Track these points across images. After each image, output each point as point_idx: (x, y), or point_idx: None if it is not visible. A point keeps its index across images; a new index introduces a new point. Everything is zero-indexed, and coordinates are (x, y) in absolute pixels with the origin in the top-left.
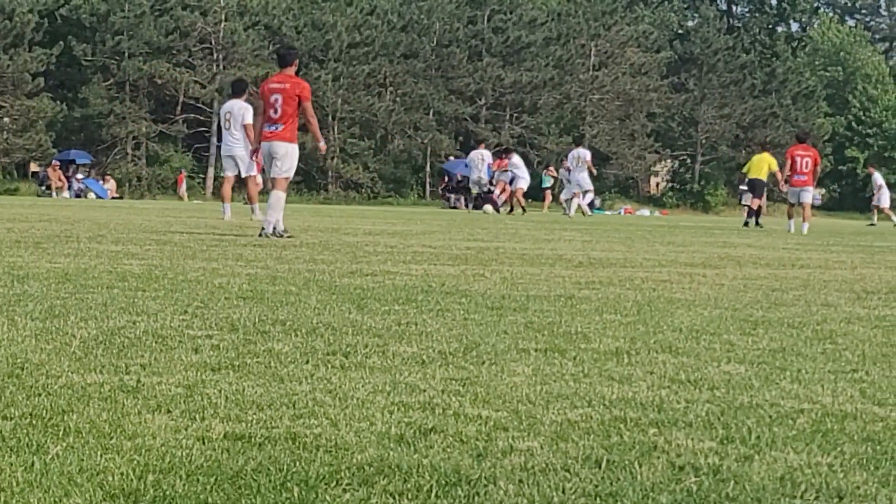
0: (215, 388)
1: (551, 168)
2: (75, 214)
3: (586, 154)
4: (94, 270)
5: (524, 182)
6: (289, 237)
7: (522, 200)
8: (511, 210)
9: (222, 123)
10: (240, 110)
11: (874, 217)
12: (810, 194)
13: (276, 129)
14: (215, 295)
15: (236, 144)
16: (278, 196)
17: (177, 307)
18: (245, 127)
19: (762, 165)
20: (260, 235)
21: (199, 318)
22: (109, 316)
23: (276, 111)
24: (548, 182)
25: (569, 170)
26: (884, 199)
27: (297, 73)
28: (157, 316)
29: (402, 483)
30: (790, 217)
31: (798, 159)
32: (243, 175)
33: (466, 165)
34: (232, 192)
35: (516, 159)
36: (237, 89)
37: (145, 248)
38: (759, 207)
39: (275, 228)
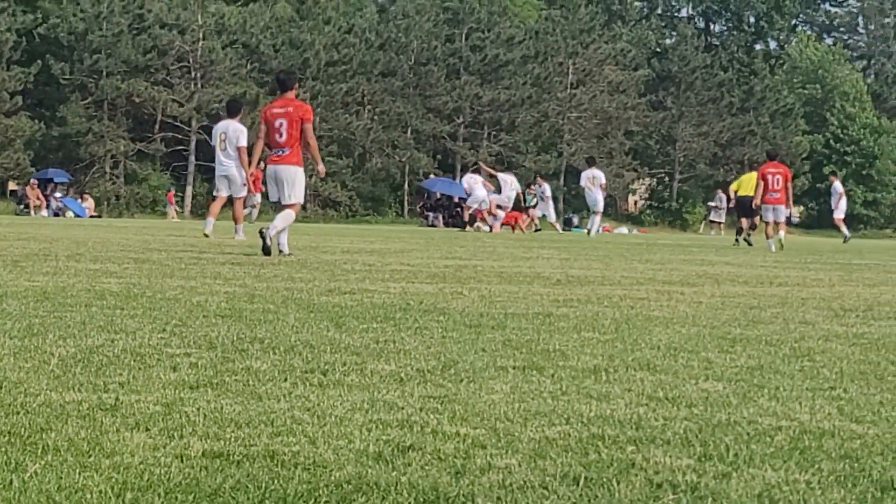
0: (193, 405)
1: (532, 187)
2: (53, 233)
3: (601, 175)
4: (72, 289)
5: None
6: (289, 255)
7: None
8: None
9: (216, 143)
10: (234, 132)
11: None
12: (783, 213)
13: (283, 153)
14: (193, 313)
15: (231, 165)
16: (289, 213)
17: (155, 325)
18: (239, 150)
19: (752, 183)
20: (260, 233)
21: (177, 336)
22: (88, 334)
23: (280, 135)
24: (531, 200)
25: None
26: (840, 209)
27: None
28: (135, 334)
29: (380, 501)
30: (769, 236)
31: (769, 177)
32: (235, 196)
33: (455, 184)
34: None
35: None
36: (232, 110)
37: (123, 267)
38: (753, 225)
39: (277, 243)
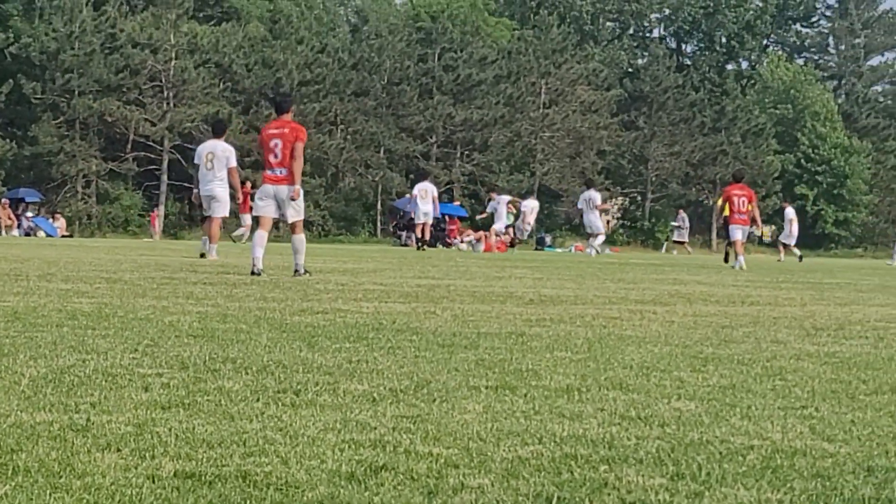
0: (165, 426)
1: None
2: (25, 253)
3: (597, 197)
4: (43, 309)
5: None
6: (309, 275)
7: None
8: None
9: (202, 163)
10: (223, 152)
11: (782, 255)
12: (745, 233)
13: (280, 173)
14: (165, 333)
15: (218, 184)
16: (301, 239)
17: (127, 345)
18: (230, 170)
19: None
20: (295, 275)
21: (149, 356)
22: (59, 354)
23: (276, 156)
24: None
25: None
26: (790, 235)
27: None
28: (106, 354)
29: None
30: (736, 255)
31: (735, 199)
32: (215, 215)
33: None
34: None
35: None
36: (218, 130)
37: (95, 287)
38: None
39: (304, 269)
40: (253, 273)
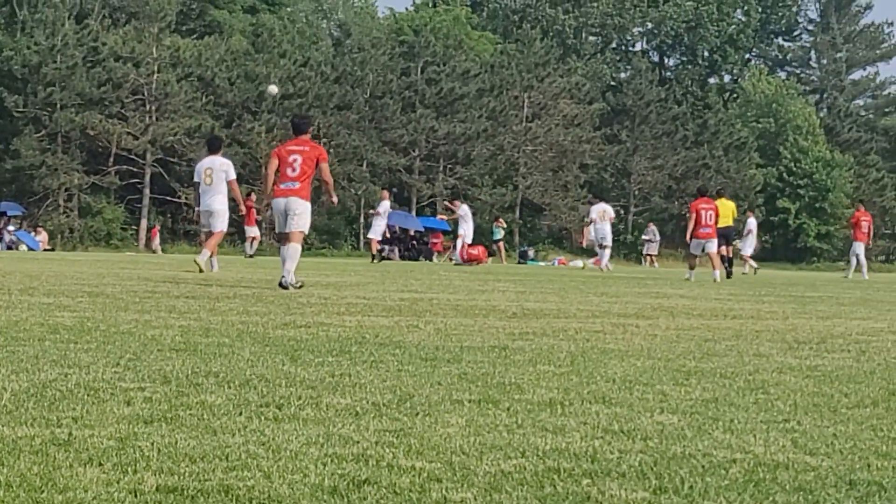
0: (148, 440)
1: (500, 219)
2: (6, 266)
3: (611, 209)
4: (25, 323)
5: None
6: (300, 286)
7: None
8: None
9: (201, 179)
10: (221, 166)
11: (746, 266)
12: (715, 245)
13: (294, 186)
14: (148, 347)
15: (217, 199)
16: (296, 248)
17: (109, 359)
18: (230, 183)
19: (726, 212)
20: (280, 285)
21: (131, 370)
22: (41, 368)
23: (293, 170)
24: (498, 234)
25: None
26: (749, 245)
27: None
28: (89, 368)
29: None
30: (692, 268)
31: (702, 213)
32: (214, 230)
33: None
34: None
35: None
36: (214, 146)
37: (77, 301)
38: (731, 257)
39: (293, 279)
40: (280, 284)
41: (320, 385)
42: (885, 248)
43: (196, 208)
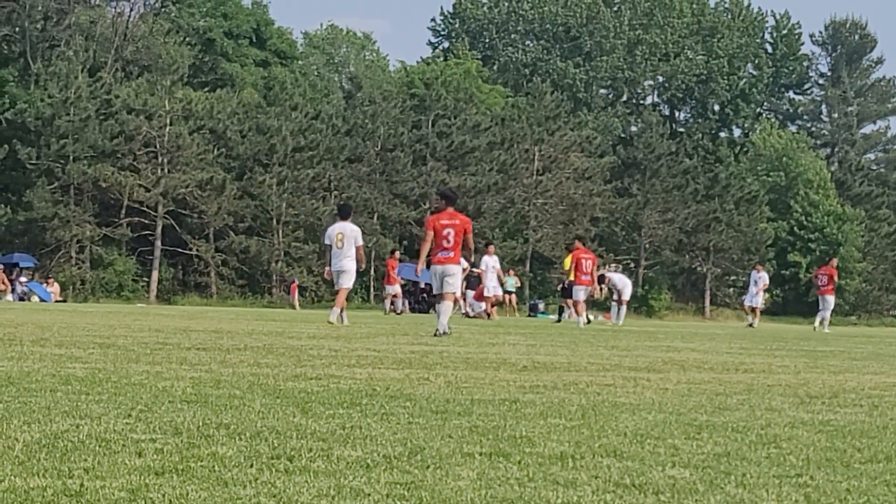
0: (159, 492)
1: (512, 271)
2: (18, 317)
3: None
4: (37, 374)
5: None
6: (447, 334)
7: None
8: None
9: (333, 243)
10: (352, 232)
11: (751, 318)
12: (587, 292)
13: (449, 255)
14: (159, 398)
15: (347, 261)
16: (448, 305)
17: (120, 410)
18: (358, 248)
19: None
20: (435, 335)
21: (142, 421)
22: (53, 419)
23: (448, 241)
24: (511, 285)
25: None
26: (759, 297)
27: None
28: (100, 419)
29: None
30: (579, 314)
31: (582, 262)
32: (342, 287)
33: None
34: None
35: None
36: (344, 213)
37: (89, 352)
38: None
39: (446, 329)
40: (435, 335)
41: (331, 437)
42: None
43: (327, 267)
